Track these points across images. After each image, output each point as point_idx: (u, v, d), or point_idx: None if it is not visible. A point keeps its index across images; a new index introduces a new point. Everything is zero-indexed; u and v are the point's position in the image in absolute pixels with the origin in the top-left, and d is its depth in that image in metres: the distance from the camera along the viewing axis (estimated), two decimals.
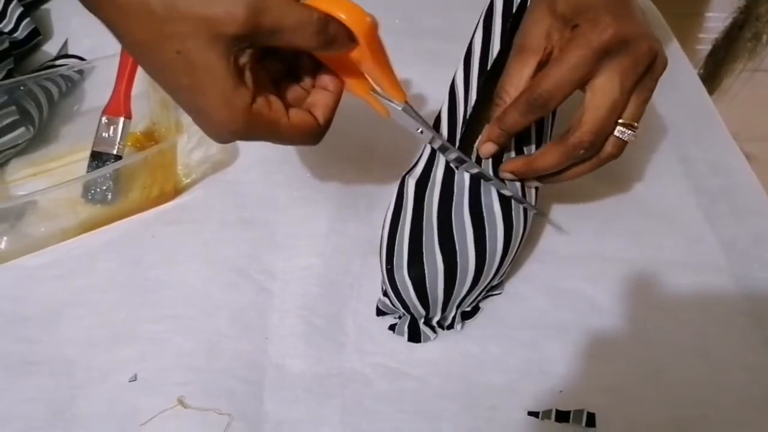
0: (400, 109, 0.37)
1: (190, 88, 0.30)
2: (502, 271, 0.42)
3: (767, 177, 0.56)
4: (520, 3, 0.43)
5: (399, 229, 0.42)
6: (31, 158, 0.52)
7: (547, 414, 0.40)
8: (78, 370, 0.41)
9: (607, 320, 0.45)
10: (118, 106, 0.50)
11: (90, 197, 0.49)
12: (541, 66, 0.39)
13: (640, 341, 0.44)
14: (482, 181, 0.42)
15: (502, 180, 0.42)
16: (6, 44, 0.55)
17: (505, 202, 0.41)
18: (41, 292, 0.45)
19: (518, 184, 0.42)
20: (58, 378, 0.41)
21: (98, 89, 0.52)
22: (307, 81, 0.36)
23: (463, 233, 0.41)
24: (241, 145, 0.55)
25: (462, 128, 0.43)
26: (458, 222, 0.41)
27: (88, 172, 0.50)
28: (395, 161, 0.48)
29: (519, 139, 0.43)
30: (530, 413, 0.40)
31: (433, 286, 0.41)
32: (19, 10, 0.61)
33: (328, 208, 0.50)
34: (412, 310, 0.42)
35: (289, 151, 0.54)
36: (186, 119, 0.44)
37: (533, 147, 0.44)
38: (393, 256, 0.41)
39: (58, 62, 0.60)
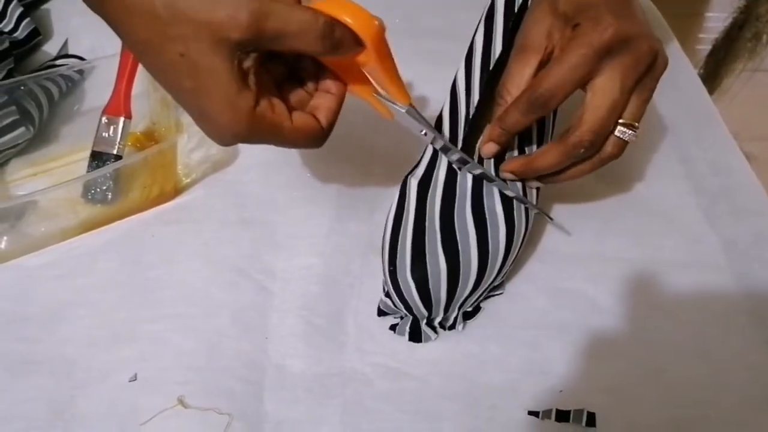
0: (403, 111, 0.37)
1: (193, 90, 0.30)
2: (503, 272, 0.42)
3: (767, 177, 0.56)
4: (521, 2, 0.43)
5: (401, 230, 0.42)
6: (31, 158, 0.52)
7: (547, 414, 0.40)
8: (78, 370, 0.41)
9: (608, 320, 0.45)
10: (118, 105, 0.50)
11: (90, 197, 0.49)
12: (543, 65, 0.39)
13: (640, 341, 0.44)
14: (484, 181, 0.42)
15: (505, 180, 0.42)
16: (6, 44, 0.55)
17: (507, 202, 0.41)
18: (41, 292, 0.45)
19: (519, 185, 0.42)
20: (58, 378, 0.41)
21: (98, 89, 0.52)
22: (310, 84, 0.36)
23: (466, 234, 0.41)
24: (242, 145, 0.55)
25: (464, 129, 0.43)
26: (461, 223, 0.41)
27: (88, 171, 0.50)
28: (395, 161, 0.48)
29: (520, 139, 0.43)
30: (530, 413, 0.40)
31: (436, 287, 0.41)
32: (19, 10, 0.60)
33: (328, 208, 0.50)
34: (414, 311, 0.42)
35: (290, 151, 0.54)
36: (186, 119, 0.44)
37: (534, 147, 0.44)
38: (396, 257, 0.41)
39: (58, 62, 0.60)
